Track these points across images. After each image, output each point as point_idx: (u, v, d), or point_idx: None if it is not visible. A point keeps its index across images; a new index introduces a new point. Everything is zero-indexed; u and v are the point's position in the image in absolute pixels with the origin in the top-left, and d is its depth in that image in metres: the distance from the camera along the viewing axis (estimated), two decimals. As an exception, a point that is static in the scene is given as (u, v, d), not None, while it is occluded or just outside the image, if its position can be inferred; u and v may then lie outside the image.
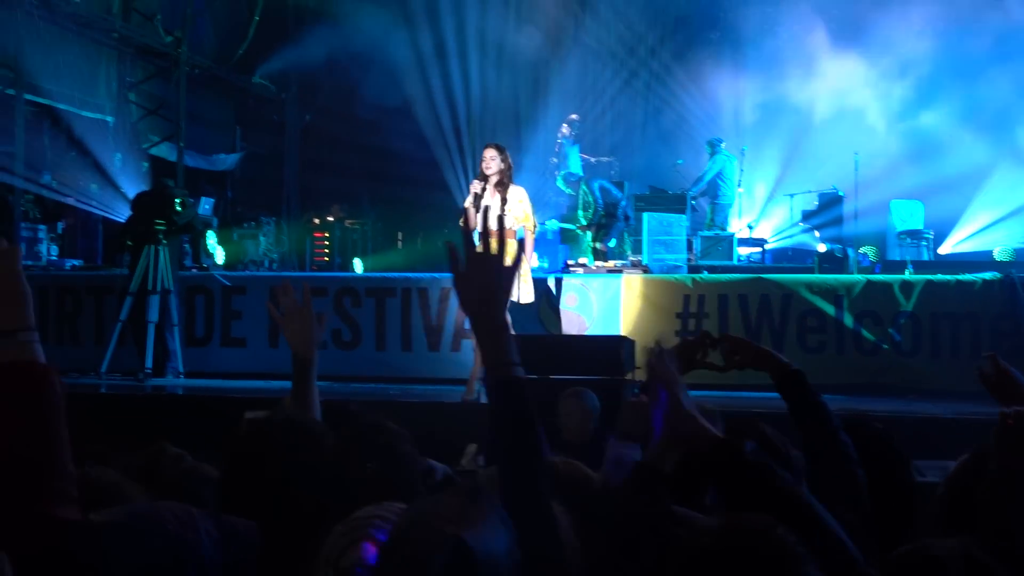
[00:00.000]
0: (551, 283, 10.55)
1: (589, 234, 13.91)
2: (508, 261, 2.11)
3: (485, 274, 2.08)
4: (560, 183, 15.04)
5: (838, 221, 14.84)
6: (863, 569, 1.95)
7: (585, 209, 14.05)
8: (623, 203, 14.18)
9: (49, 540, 1.75)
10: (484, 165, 8.54)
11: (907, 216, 15.16)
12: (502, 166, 8.54)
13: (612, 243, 13.70)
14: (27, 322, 1.86)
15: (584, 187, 14.18)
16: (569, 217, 14.78)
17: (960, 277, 9.98)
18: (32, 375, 1.83)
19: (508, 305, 2.13)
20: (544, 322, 10.27)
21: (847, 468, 2.51)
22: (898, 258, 14.03)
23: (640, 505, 2.17)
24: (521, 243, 2.05)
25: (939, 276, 10.16)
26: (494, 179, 8.49)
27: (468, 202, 8.64)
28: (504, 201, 8.54)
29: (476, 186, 8.49)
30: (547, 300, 10.35)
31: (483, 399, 8.81)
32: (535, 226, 8.88)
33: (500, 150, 8.63)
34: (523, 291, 8.48)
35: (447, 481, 3.04)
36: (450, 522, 1.74)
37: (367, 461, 2.75)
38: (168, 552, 1.69)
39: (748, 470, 2.03)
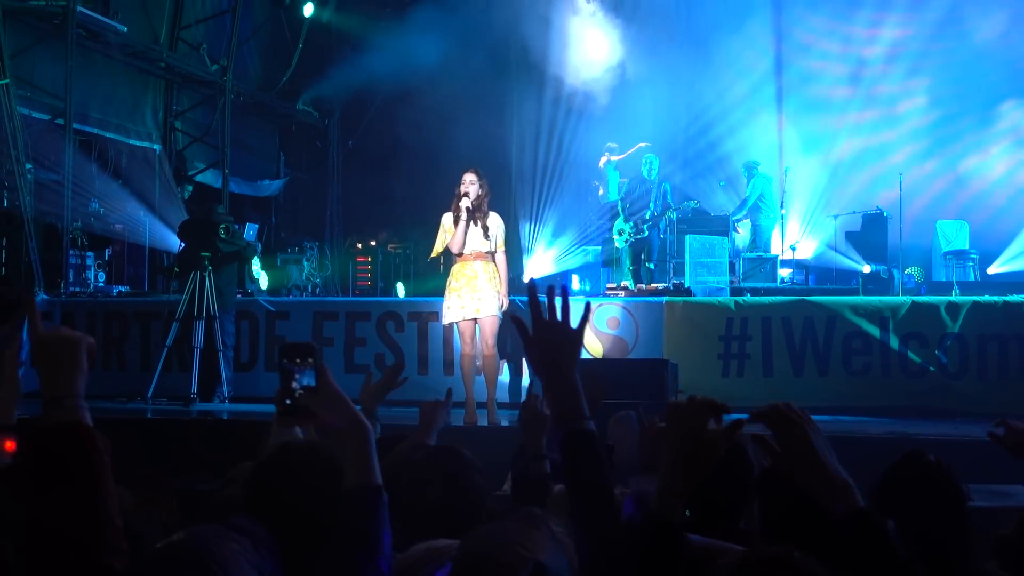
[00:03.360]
0: (593, 307, 10.53)
1: (628, 259, 13.79)
2: (575, 324, 2.25)
3: (552, 339, 2.20)
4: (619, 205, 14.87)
5: (883, 242, 14.71)
6: None
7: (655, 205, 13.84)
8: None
9: None
10: (463, 188, 8.56)
11: (952, 236, 15.02)
12: (480, 192, 8.59)
13: (651, 265, 13.63)
14: (74, 389, 2.01)
15: (663, 185, 14.06)
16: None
17: (1008, 298, 9.84)
18: (79, 437, 1.96)
19: (578, 366, 2.24)
20: (586, 345, 10.24)
21: None
22: (944, 279, 13.88)
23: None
24: (588, 306, 2.19)
25: (986, 297, 10.02)
26: (474, 204, 8.54)
27: (448, 221, 8.69)
28: (486, 228, 8.60)
29: (466, 201, 8.53)
30: (589, 324, 10.33)
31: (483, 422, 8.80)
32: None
33: (480, 175, 8.65)
34: (489, 305, 8.54)
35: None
36: (522, 546, 1.84)
37: (431, 488, 2.81)
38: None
39: (881, 548, 1.87)
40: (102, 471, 1.96)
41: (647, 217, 13.65)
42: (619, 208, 14.16)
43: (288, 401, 2.26)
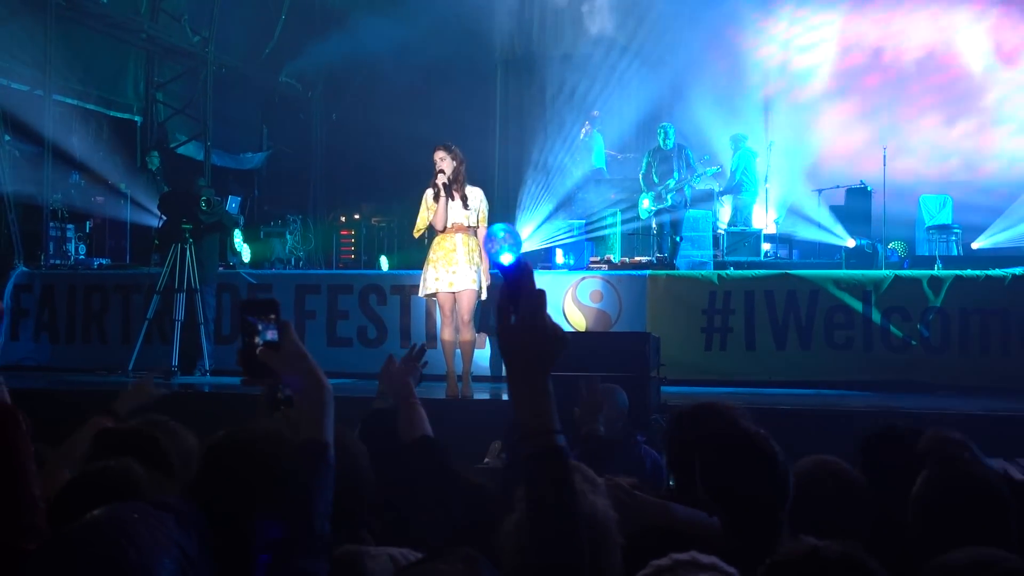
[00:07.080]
0: (576, 279, 10.52)
1: (655, 233, 13.39)
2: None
3: (539, 328, 1.86)
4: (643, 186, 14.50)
5: (866, 216, 14.70)
6: None
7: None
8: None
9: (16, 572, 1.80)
10: (437, 167, 8.56)
11: (936, 211, 15.03)
12: (454, 163, 8.57)
13: (679, 238, 13.23)
14: None
15: (685, 151, 13.69)
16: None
17: (989, 272, 9.87)
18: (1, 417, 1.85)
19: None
20: (569, 319, 10.24)
21: None
22: (927, 253, 13.89)
23: None
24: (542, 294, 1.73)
25: (968, 272, 10.03)
26: (450, 178, 8.53)
27: (430, 198, 8.67)
28: (464, 199, 8.59)
29: (441, 177, 8.51)
30: (572, 297, 10.33)
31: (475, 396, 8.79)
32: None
33: (448, 149, 8.62)
34: (464, 279, 8.53)
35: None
36: None
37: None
38: (138, 557, 1.75)
39: None
40: (24, 452, 1.87)
41: (671, 185, 13.25)
42: (642, 184, 13.68)
43: (250, 357, 2.25)
